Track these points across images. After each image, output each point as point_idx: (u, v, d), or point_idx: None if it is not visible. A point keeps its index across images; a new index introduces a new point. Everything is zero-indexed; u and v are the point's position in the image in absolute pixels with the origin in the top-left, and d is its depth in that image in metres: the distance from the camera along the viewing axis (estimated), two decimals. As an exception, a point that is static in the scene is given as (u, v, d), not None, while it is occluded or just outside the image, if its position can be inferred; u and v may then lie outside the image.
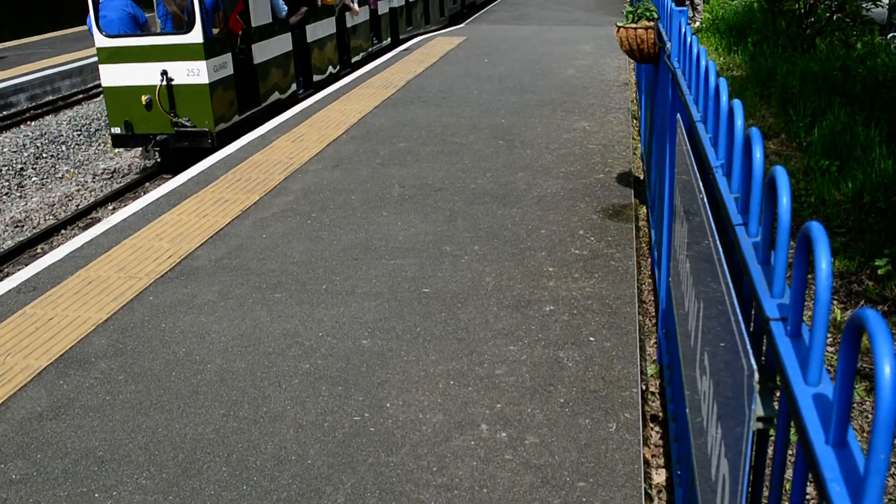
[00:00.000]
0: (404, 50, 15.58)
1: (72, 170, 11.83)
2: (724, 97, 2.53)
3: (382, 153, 8.38)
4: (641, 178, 7.66)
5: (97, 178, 11.35)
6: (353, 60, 14.89)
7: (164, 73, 9.92)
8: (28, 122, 13.55)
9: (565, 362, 4.25)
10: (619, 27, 5.90)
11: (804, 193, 7.15)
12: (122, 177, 11.41)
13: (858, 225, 6.43)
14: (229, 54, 10.45)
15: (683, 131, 3.39)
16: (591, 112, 9.70)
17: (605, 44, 14.74)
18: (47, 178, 11.56)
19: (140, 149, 11.04)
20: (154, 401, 4.11)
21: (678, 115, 3.66)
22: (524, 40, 16.04)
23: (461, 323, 4.74)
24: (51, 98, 15.23)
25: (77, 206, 10.23)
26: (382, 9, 16.17)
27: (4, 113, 14.14)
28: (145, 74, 10.04)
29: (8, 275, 7.86)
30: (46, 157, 12.15)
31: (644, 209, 6.99)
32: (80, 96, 15.12)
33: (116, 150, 12.47)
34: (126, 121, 10.31)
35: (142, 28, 10.31)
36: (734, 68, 13.39)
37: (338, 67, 14.17)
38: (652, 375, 4.68)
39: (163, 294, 5.38)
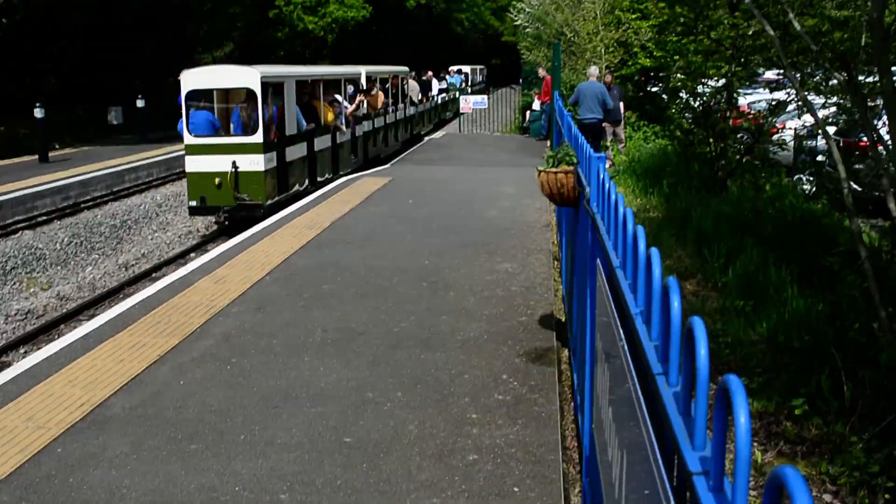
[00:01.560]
0: (330, 190, 15.71)
1: (-19, 312, 11.43)
2: (641, 245, 2.54)
3: (306, 295, 8.29)
4: (563, 320, 7.69)
5: (10, 319, 10.98)
6: (341, 172, 18.41)
7: (234, 162, 13.89)
8: (-60, 260, 13.16)
9: (490, 514, 4.11)
10: (540, 171, 6.02)
11: (721, 334, 7.25)
12: (38, 318, 11.06)
13: (775, 365, 6.51)
14: (275, 152, 14.57)
15: (603, 276, 3.40)
16: (513, 254, 9.81)
17: (527, 185, 15.07)
18: (-44, 319, 11.14)
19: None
20: (52, 566, 3.82)
21: (598, 261, 3.69)
22: (449, 181, 16.35)
23: (383, 474, 4.58)
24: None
25: (-14, 350, 9.84)
26: (359, 132, 20.27)
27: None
28: (220, 163, 13.96)
29: None
30: (-43, 298, 11.75)
31: (566, 352, 6.98)
32: (-3, 233, 14.80)
33: (31, 289, 12.17)
34: (202, 196, 14.09)
35: (216, 132, 14.49)
36: (651, 209, 13.79)
37: (331, 174, 17.83)
38: (579, 525, 4.56)
39: (72, 446, 5.11)
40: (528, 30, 34.33)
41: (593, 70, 19.01)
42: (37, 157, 22.85)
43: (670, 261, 9.95)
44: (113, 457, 4.95)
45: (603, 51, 24.51)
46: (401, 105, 25.55)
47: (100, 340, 7.17)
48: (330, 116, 17.93)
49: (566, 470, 4.95)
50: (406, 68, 28.08)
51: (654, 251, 2.28)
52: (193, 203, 14.25)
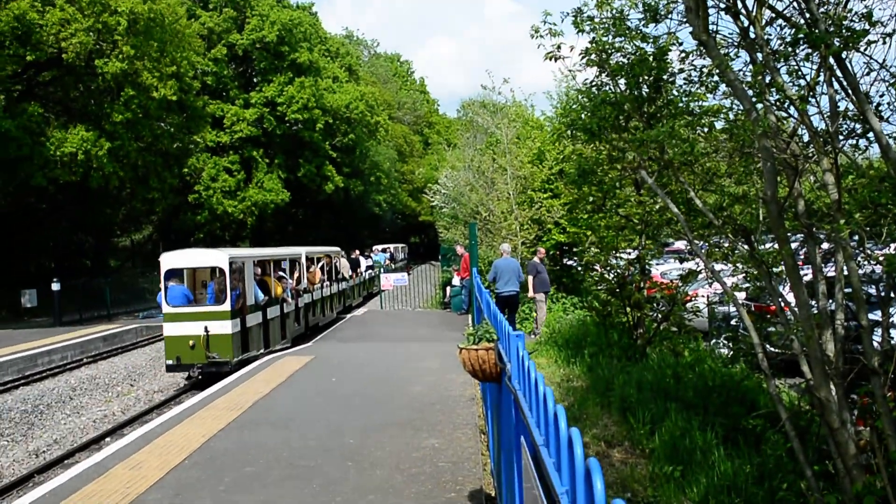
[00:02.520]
0: (252, 369, 15.53)
1: None
2: (563, 424, 2.62)
3: (227, 479, 8.06)
4: (493, 494, 7.61)
5: None
6: (288, 337, 20.84)
7: (206, 327, 16.46)
8: None
9: None
10: (461, 348, 6.10)
11: (653, 502, 7.25)
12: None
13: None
14: (239, 319, 17.13)
15: (528, 454, 3.44)
16: (439, 429, 9.76)
17: (450, 360, 15.14)
18: None
19: None
20: None
21: (523, 438, 3.73)
22: (372, 358, 16.34)
23: None
24: None
25: None
26: (301, 304, 22.75)
27: None
28: (193, 328, 16.51)
29: None
30: None
31: (497, 528, 6.89)
32: None
33: None
34: (177, 356, 16.60)
35: (189, 303, 17.03)
36: (574, 379, 13.94)
37: (283, 341, 20.33)
38: None
39: None
40: (444, 209, 35.45)
41: (506, 247, 19.75)
42: (-55, 342, 22.18)
43: (597, 429, 10.02)
44: None
45: (518, 228, 25.35)
46: (334, 280, 28.46)
47: (6, 536, 6.82)
48: (279, 290, 20.28)
49: None
50: (338, 248, 31.77)
51: (576, 431, 2.35)
52: (170, 362, 16.76)
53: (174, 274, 17.19)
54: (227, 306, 16.62)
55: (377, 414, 10.84)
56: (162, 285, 16.94)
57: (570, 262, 26.80)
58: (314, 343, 19.84)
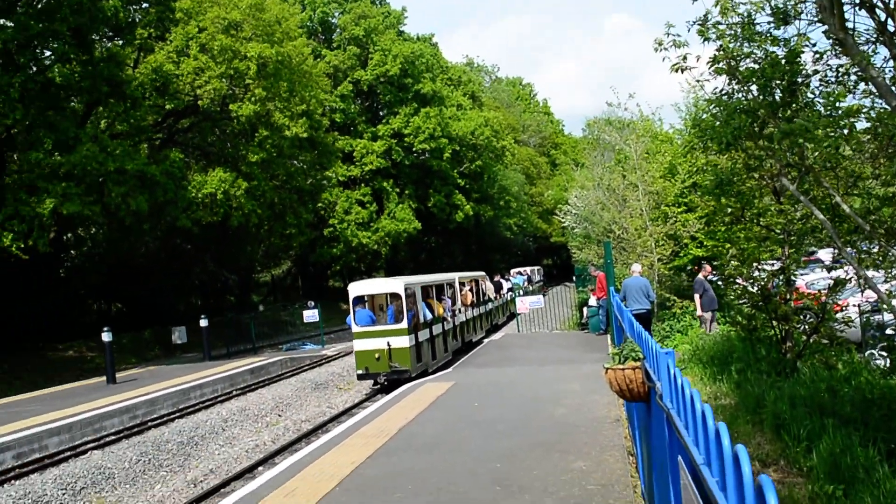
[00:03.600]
0: (395, 397, 15.74)
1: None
2: (725, 441, 2.54)
3: (378, 506, 8.17)
4: (645, 517, 7.45)
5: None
6: (449, 351, 23.88)
7: (388, 342, 19.47)
8: (12, 482, 13.21)
9: None
10: (607, 368, 6.02)
11: (815, 524, 6.94)
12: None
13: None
14: (415, 335, 20.15)
15: (688, 474, 3.35)
16: (586, 451, 9.63)
17: (593, 381, 14.97)
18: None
19: None
20: None
21: (680, 458, 3.64)
22: (511, 382, 16.29)
23: None
24: (37, 456, 15.00)
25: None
26: (457, 322, 25.53)
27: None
28: (378, 344, 19.55)
29: None
30: (28, 528, 11.73)
31: (653, 552, 6.72)
32: (68, 454, 14.91)
33: None
34: (366, 367, 19.68)
35: (373, 322, 20.16)
36: (721, 397, 13.53)
37: (446, 354, 23.39)
38: None
39: None
40: (576, 230, 35.20)
41: (636, 267, 19.51)
42: (104, 378, 23.42)
43: (749, 448, 9.67)
44: None
45: (653, 244, 24.90)
46: (481, 302, 31.25)
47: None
48: (440, 310, 23.29)
49: None
50: (483, 273, 34.91)
51: (741, 448, 2.28)
52: (360, 371, 19.89)
53: (360, 300, 20.58)
54: (404, 324, 19.65)
55: (521, 437, 10.79)
56: (351, 309, 20.34)
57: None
58: (453, 369, 19.97)
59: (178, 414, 18.70)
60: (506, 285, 41.56)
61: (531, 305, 28.59)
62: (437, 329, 22.45)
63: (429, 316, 21.67)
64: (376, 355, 19.48)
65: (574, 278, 39.59)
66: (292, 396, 21.22)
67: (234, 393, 21.62)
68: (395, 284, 20.34)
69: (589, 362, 18.12)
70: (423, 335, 20.99)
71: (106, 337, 22.50)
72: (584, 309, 27.19)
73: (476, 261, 65.13)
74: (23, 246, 24.95)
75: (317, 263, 55.68)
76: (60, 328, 32.87)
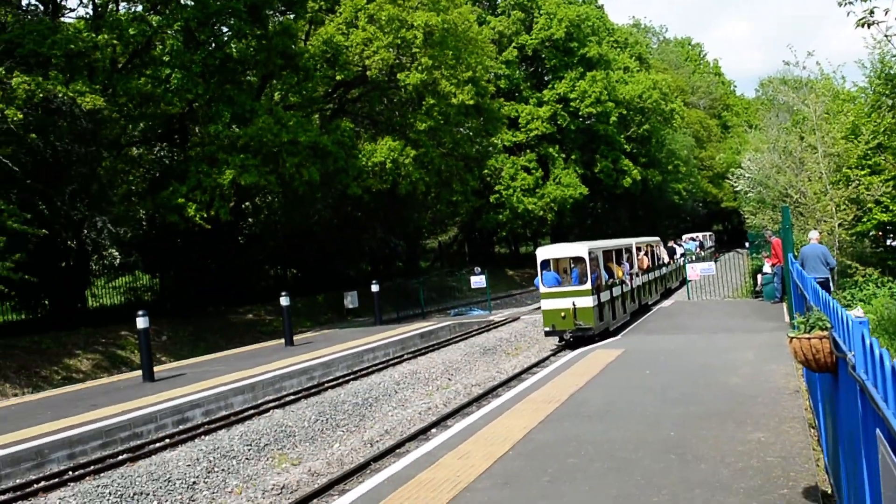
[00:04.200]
0: (564, 364, 15.77)
1: (241, 485, 12.12)
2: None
3: (550, 470, 8.24)
4: (829, 492, 7.19)
5: (266, 493, 11.56)
6: (627, 311, 24.90)
7: (573, 302, 20.58)
8: (202, 437, 14.11)
9: None
10: (792, 337, 5.83)
11: None
12: (292, 492, 11.58)
13: None
14: (597, 296, 21.15)
15: (887, 446, 3.23)
16: (763, 422, 9.35)
17: (768, 351, 14.49)
18: (218, 492, 11.85)
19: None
20: None
21: (878, 430, 3.49)
22: (682, 350, 15.99)
23: None
24: (224, 413, 15.94)
25: (246, 525, 10.35)
26: (635, 285, 26.42)
27: (181, 427, 14.84)
28: (564, 303, 20.73)
29: None
30: (218, 472, 12.51)
31: (839, 527, 6.49)
32: (251, 412, 15.76)
33: (283, 465, 12.84)
34: (553, 324, 21.03)
35: (559, 284, 21.66)
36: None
37: (624, 315, 24.29)
38: None
39: None
40: (749, 194, 33.91)
41: (813, 234, 18.44)
42: (283, 340, 24.54)
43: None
44: None
45: (834, 209, 23.71)
46: (656, 266, 31.86)
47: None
48: (619, 273, 24.33)
49: None
50: (657, 238, 35.61)
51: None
52: (547, 329, 21.35)
53: (546, 263, 22.19)
54: (588, 286, 20.79)
55: (694, 406, 10.59)
56: (539, 272, 21.83)
57: (894, 244, 24.70)
58: (623, 336, 19.78)
59: (352, 376, 19.38)
60: (679, 250, 42.25)
61: (702, 272, 27.88)
62: (616, 291, 23.52)
63: (608, 278, 22.84)
64: (562, 314, 20.75)
65: (747, 244, 38.32)
66: (461, 361, 21.59)
67: (405, 357, 22.18)
68: (579, 249, 21.64)
69: (764, 331, 17.53)
70: (605, 296, 22.07)
71: (284, 301, 23.53)
72: (759, 276, 26.26)
73: (643, 226, 63.96)
74: (205, 215, 26.42)
75: (482, 230, 56.14)
76: (240, 292, 34.62)
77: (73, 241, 27.44)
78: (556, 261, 23.12)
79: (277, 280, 40.72)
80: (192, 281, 32.52)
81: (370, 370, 20.20)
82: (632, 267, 26.44)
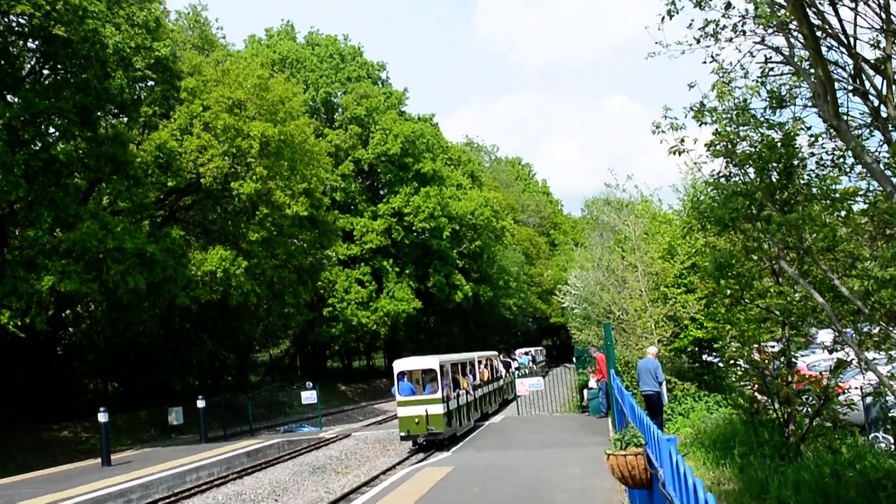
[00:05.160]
0: (392, 483, 15.49)
1: None
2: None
3: None
4: None
5: None
6: (470, 419, 26.84)
7: (426, 409, 22.61)
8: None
9: None
10: (609, 454, 5.94)
11: None
12: None
13: None
14: (447, 403, 23.26)
15: (693, 569, 3.26)
16: (587, 539, 9.42)
17: (594, 465, 14.76)
18: None
19: None
20: None
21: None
22: (511, 467, 16.06)
23: None
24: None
25: None
26: (478, 395, 28.52)
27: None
28: (417, 411, 22.77)
29: None
30: None
31: None
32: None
33: None
34: (408, 429, 22.91)
35: (413, 393, 23.62)
36: (725, 482, 13.31)
37: (468, 422, 26.37)
38: None
39: None
40: (575, 310, 35.16)
41: (651, 349, 19.35)
42: (99, 460, 23.09)
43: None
44: None
45: (653, 325, 24.82)
46: (493, 379, 33.65)
47: None
48: (465, 384, 26.72)
49: None
50: (495, 353, 39.17)
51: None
52: (402, 433, 23.25)
53: (402, 374, 24.16)
54: (439, 395, 22.96)
55: (521, 524, 10.57)
56: (396, 381, 23.99)
57: (709, 359, 26.00)
58: (453, 453, 19.72)
59: (173, 498, 18.37)
60: (513, 364, 45.11)
61: (531, 387, 28.39)
62: (462, 400, 25.77)
63: (456, 389, 25.13)
64: (416, 420, 22.78)
65: (574, 359, 39.46)
66: (289, 480, 20.88)
67: (231, 476, 21.26)
68: (431, 361, 24.06)
69: (590, 445, 17.90)
70: (453, 404, 24.25)
71: (102, 417, 22.23)
72: (585, 391, 26.99)
73: (475, 341, 64.94)
74: (20, 324, 24.82)
75: (315, 343, 55.42)
76: (56, 407, 32.49)
77: None
78: (411, 372, 24.95)
79: (97, 394, 38.54)
80: (2, 394, 30.28)
81: (193, 491, 19.23)
82: (475, 378, 28.59)
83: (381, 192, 58.15)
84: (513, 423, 26.00)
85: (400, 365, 24.40)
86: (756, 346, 15.63)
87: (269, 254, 35.40)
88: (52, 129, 28.02)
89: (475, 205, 59.83)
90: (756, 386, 15.19)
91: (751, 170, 13.21)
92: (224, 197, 35.06)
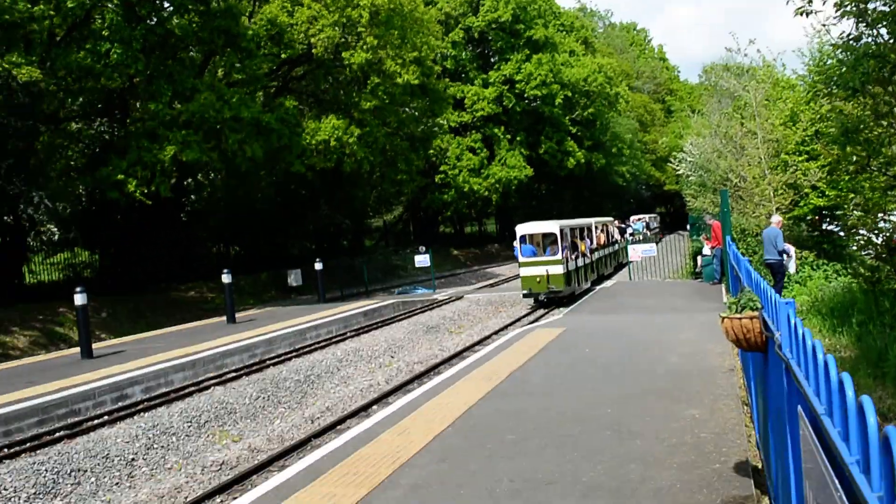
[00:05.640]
0: (505, 342, 15.91)
1: (180, 461, 12.06)
2: (849, 392, 2.53)
3: (489, 446, 8.35)
4: (760, 467, 7.40)
5: (206, 469, 11.52)
6: (589, 280, 29.16)
7: (547, 270, 24.73)
8: (141, 413, 13.98)
9: None
10: (724, 317, 5.97)
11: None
12: (231, 468, 11.55)
13: None
14: (566, 265, 25.09)
15: (807, 423, 3.34)
16: (699, 399, 9.57)
17: (706, 330, 14.79)
18: (157, 468, 11.79)
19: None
20: None
21: (799, 407, 3.61)
22: (623, 329, 16.23)
23: None
24: (164, 390, 15.81)
25: (185, 498, 10.32)
26: (594, 258, 30.85)
27: (120, 404, 14.68)
28: (538, 271, 24.85)
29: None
30: (157, 448, 12.43)
31: (767, 500, 6.69)
32: (192, 389, 15.65)
33: (223, 441, 12.80)
34: (529, 288, 25.14)
35: (535, 255, 25.58)
36: (841, 349, 13.20)
37: (586, 283, 28.53)
38: None
39: None
40: (691, 178, 34.44)
41: (774, 218, 18.82)
42: (224, 318, 24.34)
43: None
44: None
45: (772, 193, 24.19)
46: (609, 243, 35.74)
47: (293, 489, 7.45)
48: (582, 248, 28.59)
49: None
50: (611, 218, 41.18)
51: (867, 399, 2.27)
52: (525, 291, 25.58)
53: (524, 238, 26.16)
54: (559, 256, 25.00)
55: (633, 384, 10.79)
56: (518, 244, 25.94)
57: (830, 228, 25.32)
58: (564, 315, 20.00)
59: (294, 353, 19.34)
60: (628, 230, 47.23)
61: (644, 254, 28.27)
62: (581, 262, 27.71)
63: (574, 252, 26.94)
64: (538, 279, 24.79)
65: (688, 227, 38.97)
66: (404, 339, 21.67)
67: (349, 334, 22.20)
68: (552, 226, 26.17)
69: (702, 311, 17.88)
70: (572, 266, 26.05)
71: (226, 278, 23.34)
72: (698, 258, 26.74)
73: (587, 208, 64.59)
74: (146, 191, 26.01)
75: (428, 209, 56.16)
76: (182, 270, 34.21)
77: (8, 217, 26.82)
78: (532, 235, 26.60)
79: (220, 257, 40.27)
80: (133, 257, 31.99)
81: (313, 347, 20.17)
82: (592, 242, 30.38)
83: (492, 60, 57.27)
84: (624, 288, 26.11)
85: (522, 229, 26.10)
86: (881, 214, 15.14)
87: (380, 122, 35.64)
88: (166, 4, 28.48)
89: (588, 71, 58.44)
90: (878, 255, 14.78)
91: (883, 30, 12.50)
92: (335, 67, 35.21)
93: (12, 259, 27.82)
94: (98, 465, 11.53)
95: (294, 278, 33.78)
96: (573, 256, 26.42)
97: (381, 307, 26.61)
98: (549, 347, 14.65)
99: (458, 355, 18.62)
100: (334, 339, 21.37)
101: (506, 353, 14.36)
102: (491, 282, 40.36)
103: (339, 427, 13.05)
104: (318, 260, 30.28)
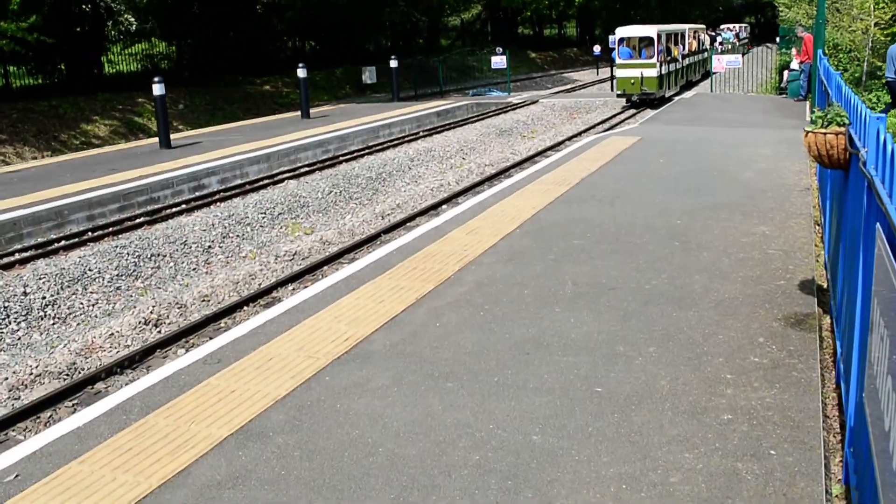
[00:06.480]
0: (578, 148, 15.74)
1: (255, 250, 12.49)
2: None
3: (556, 249, 8.42)
4: (825, 286, 7.35)
5: (279, 259, 11.92)
6: (678, 85, 29.94)
7: (641, 73, 25.57)
8: (217, 203, 14.41)
9: (744, 475, 4.07)
10: (808, 132, 5.76)
11: None
12: (303, 259, 11.93)
13: None
14: (660, 68, 25.97)
15: (885, 242, 3.26)
16: (770, 216, 9.43)
17: (785, 148, 14.39)
18: (232, 256, 12.25)
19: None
20: (327, 480, 4.21)
21: (878, 225, 3.51)
22: (700, 142, 15.87)
23: (634, 426, 4.63)
24: (239, 182, 16.19)
25: (259, 284, 10.74)
26: (685, 64, 31.31)
27: (197, 194, 15.13)
28: (634, 73, 25.78)
29: (194, 346, 8.30)
30: (232, 237, 12.88)
31: (828, 319, 6.68)
32: (266, 181, 15.98)
33: (295, 233, 13.17)
34: (623, 89, 26.23)
35: (632, 57, 26.17)
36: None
37: (676, 87, 29.38)
38: (837, 496, 4.41)
39: (339, 375, 5.55)
40: (786, -14, 32.45)
41: None
42: (299, 113, 24.45)
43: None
44: (376, 388, 5.32)
45: (872, 7, 22.72)
46: (699, 51, 36.16)
47: (361, 282, 7.67)
48: (675, 53, 28.96)
49: (826, 438, 4.80)
50: (703, 26, 41.44)
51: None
52: (619, 92, 26.73)
53: (622, 40, 26.75)
54: (654, 60, 25.67)
55: (705, 197, 10.65)
56: (616, 47, 26.89)
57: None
58: (640, 125, 19.62)
59: (367, 151, 19.46)
60: (718, 39, 47.64)
61: (728, 65, 27.27)
62: (673, 66, 28.42)
63: (668, 56, 27.53)
64: (632, 81, 25.78)
65: (777, 39, 37.19)
66: (476, 141, 21.58)
67: (421, 134, 22.18)
68: (650, 30, 26.53)
69: (783, 128, 17.35)
70: (664, 69, 26.78)
71: (301, 73, 23.24)
72: (785, 73, 25.67)
73: (671, 14, 61.92)
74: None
75: (507, 9, 54.41)
76: (258, 63, 34.11)
77: (87, 5, 26.77)
78: (629, 38, 27.06)
79: (295, 52, 39.98)
80: (209, 50, 31.95)
81: (385, 146, 20.25)
82: (684, 49, 30.97)
83: None
84: (705, 100, 25.38)
85: (621, 32, 27.01)
86: None
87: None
88: None
89: None
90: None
91: None
92: None
93: (91, 48, 28.03)
94: (176, 250, 12.00)
95: (368, 76, 33.51)
96: (666, 60, 26.98)
97: (454, 108, 26.39)
98: (622, 156, 14.45)
99: (530, 160, 18.52)
100: (407, 138, 21.39)
101: (578, 160, 14.23)
102: (568, 87, 39.54)
103: (408, 224, 13.26)
104: (392, 58, 29.86)
